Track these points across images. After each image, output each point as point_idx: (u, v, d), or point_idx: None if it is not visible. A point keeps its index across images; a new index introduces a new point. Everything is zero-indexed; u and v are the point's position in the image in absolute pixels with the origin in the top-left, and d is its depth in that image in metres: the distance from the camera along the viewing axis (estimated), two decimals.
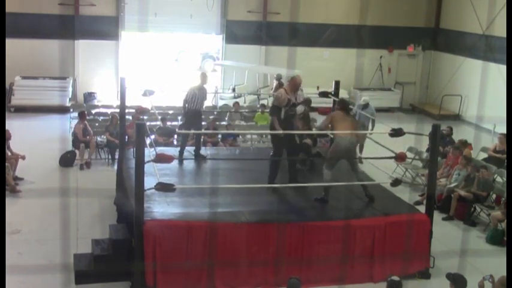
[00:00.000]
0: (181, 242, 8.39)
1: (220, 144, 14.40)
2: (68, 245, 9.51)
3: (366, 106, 14.69)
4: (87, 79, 20.12)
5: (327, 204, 9.55)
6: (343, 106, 9.84)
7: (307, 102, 11.15)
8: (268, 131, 10.69)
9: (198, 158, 11.41)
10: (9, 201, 11.19)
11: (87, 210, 11.14)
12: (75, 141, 14.09)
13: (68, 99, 18.99)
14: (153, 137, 11.76)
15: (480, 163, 12.77)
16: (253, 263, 8.62)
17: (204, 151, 12.29)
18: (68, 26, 19.31)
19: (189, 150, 11.95)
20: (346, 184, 9.96)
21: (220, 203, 9.25)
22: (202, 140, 14.28)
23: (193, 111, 11.50)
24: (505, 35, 17.21)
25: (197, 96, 11.42)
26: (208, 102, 18.86)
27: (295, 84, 10.06)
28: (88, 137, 14.08)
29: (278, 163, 10.12)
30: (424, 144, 13.58)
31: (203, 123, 14.87)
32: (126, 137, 12.61)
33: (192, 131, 11.80)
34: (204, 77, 11.67)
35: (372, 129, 14.60)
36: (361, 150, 14.27)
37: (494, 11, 18.81)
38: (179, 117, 15.51)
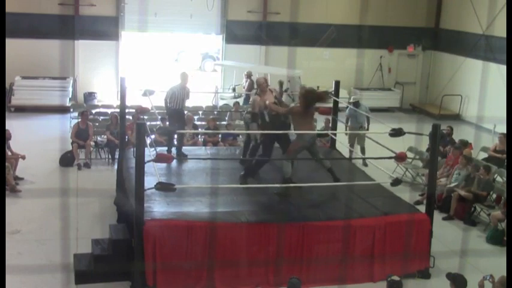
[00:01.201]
0: (181, 242, 8.39)
1: (220, 144, 14.41)
2: (68, 245, 9.51)
3: (357, 104, 14.49)
4: (87, 79, 20.12)
5: (288, 201, 9.52)
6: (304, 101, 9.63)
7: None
8: (269, 131, 10.66)
9: (180, 156, 11.41)
10: (9, 201, 11.18)
11: (87, 210, 11.14)
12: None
13: (68, 99, 18.99)
14: (153, 136, 11.76)
15: (480, 163, 12.77)
16: (253, 263, 8.62)
17: (204, 151, 12.31)
18: (68, 26, 19.31)
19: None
20: (346, 184, 9.99)
21: (220, 203, 9.26)
22: (203, 139, 14.37)
23: (174, 111, 11.46)
24: (505, 35, 17.22)
25: (177, 95, 11.34)
26: (208, 102, 18.96)
27: (260, 86, 10.05)
28: (82, 141, 13.94)
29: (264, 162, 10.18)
30: (424, 144, 13.59)
31: (200, 122, 14.92)
32: (126, 137, 12.61)
33: (193, 131, 11.81)
34: (184, 76, 11.58)
35: (367, 128, 14.55)
36: (363, 152, 14.27)
37: (494, 11, 18.81)
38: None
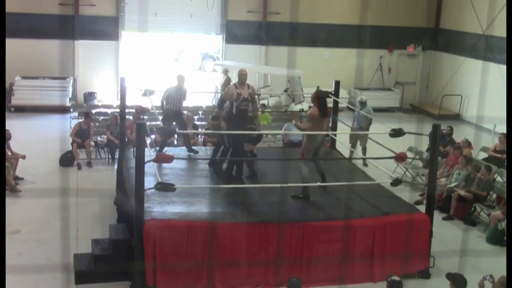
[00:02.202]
0: (181, 242, 8.39)
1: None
2: (68, 245, 9.51)
3: (364, 105, 14.60)
4: (87, 79, 20.13)
5: (309, 201, 9.57)
6: (320, 104, 9.65)
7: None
8: (269, 131, 10.71)
9: (191, 153, 11.65)
10: (9, 201, 11.18)
11: (87, 210, 11.13)
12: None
13: (68, 99, 19.00)
14: (153, 136, 11.77)
15: (481, 163, 12.77)
16: (253, 263, 8.62)
17: (204, 151, 12.30)
18: (68, 26, 19.32)
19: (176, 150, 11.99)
20: (346, 184, 9.99)
21: (220, 203, 9.27)
22: (203, 139, 14.37)
23: (171, 111, 11.51)
24: (505, 35, 17.22)
25: (173, 97, 11.40)
26: (208, 102, 18.94)
27: (240, 78, 10.16)
28: (85, 140, 14.00)
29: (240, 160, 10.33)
30: (424, 144, 13.59)
31: (201, 122, 14.85)
32: (126, 137, 12.61)
33: (193, 131, 11.81)
34: (181, 79, 11.63)
35: (367, 129, 14.57)
36: (364, 153, 14.28)
37: (494, 11, 18.81)
38: None
